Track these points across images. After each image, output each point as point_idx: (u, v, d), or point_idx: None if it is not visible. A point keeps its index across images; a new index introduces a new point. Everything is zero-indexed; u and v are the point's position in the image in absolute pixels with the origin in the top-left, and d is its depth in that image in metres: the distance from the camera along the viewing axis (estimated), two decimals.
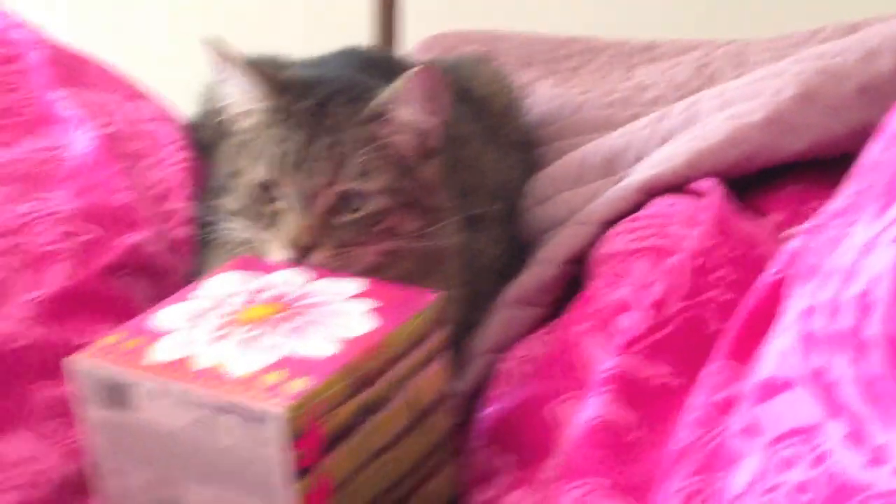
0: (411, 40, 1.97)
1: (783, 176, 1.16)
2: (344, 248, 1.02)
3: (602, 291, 1.06)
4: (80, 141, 1.30)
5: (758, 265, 0.97)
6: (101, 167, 1.26)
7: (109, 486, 0.92)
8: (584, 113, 1.48)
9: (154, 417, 0.86)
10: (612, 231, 1.13)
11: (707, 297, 0.99)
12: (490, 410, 1.03)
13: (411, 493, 0.94)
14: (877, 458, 0.63)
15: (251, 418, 0.81)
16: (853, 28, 1.35)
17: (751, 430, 0.73)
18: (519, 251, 1.23)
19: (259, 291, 0.96)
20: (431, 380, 0.94)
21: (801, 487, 0.66)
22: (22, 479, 0.95)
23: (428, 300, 0.93)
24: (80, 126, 1.31)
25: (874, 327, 0.66)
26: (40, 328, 1.06)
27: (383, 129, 1.05)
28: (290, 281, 0.98)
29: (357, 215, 1.03)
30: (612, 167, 1.27)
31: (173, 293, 0.99)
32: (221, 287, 0.97)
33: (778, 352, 0.73)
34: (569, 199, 1.25)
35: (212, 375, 0.85)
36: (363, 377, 0.87)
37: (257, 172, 1.04)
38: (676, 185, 1.15)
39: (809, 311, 0.72)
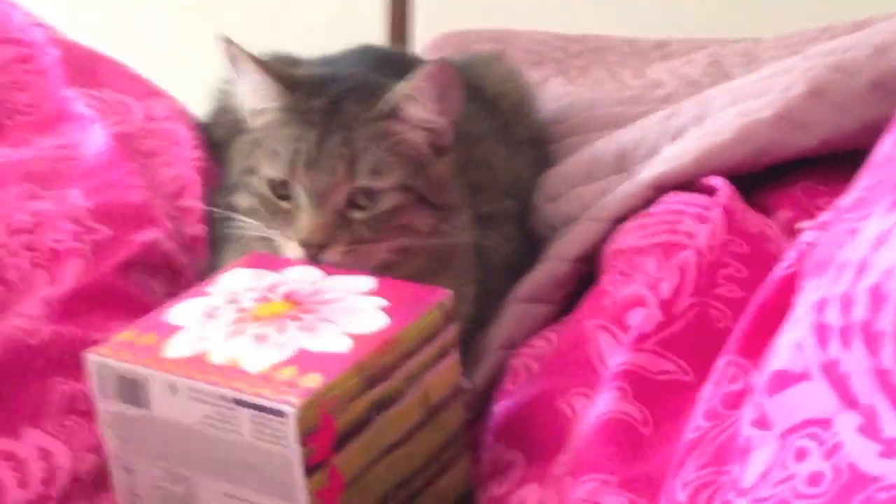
0: (422, 39, 1.97)
1: (792, 173, 1.16)
2: (357, 245, 1.02)
3: (613, 287, 1.06)
4: (94, 139, 1.31)
5: (767, 262, 0.97)
6: (115, 165, 1.27)
7: (123, 480, 0.93)
8: (595, 110, 1.48)
9: (168, 412, 0.87)
10: (622, 227, 1.13)
11: (717, 293, 0.99)
12: (502, 406, 1.03)
13: (424, 489, 0.94)
14: (889, 450, 0.63)
15: (264, 414, 0.82)
16: (863, 25, 1.35)
17: (763, 422, 0.73)
18: (530, 248, 1.24)
19: (272, 288, 0.97)
20: (444, 376, 0.94)
21: (814, 478, 0.66)
22: (38, 473, 0.96)
23: (439, 297, 0.94)
24: (94, 124, 1.32)
25: (887, 319, 0.67)
26: (56, 325, 1.06)
27: (396, 127, 1.05)
28: (303, 278, 0.98)
29: (370, 212, 1.03)
30: (623, 164, 1.27)
31: (187, 290, 1.00)
32: (235, 283, 0.98)
33: (791, 344, 0.73)
34: (580, 196, 1.25)
35: (225, 371, 0.85)
36: (376, 373, 0.87)
37: (271, 170, 1.04)
38: (687, 181, 1.15)
39: (822, 304, 0.72)
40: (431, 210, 1.07)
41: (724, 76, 1.45)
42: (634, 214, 1.14)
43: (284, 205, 1.04)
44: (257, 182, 1.06)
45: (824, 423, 0.68)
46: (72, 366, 1.01)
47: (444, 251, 1.10)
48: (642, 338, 0.96)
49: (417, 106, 1.05)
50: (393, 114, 1.05)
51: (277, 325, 0.91)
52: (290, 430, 0.81)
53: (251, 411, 0.83)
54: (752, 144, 1.15)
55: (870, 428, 0.65)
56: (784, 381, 0.72)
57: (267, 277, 0.99)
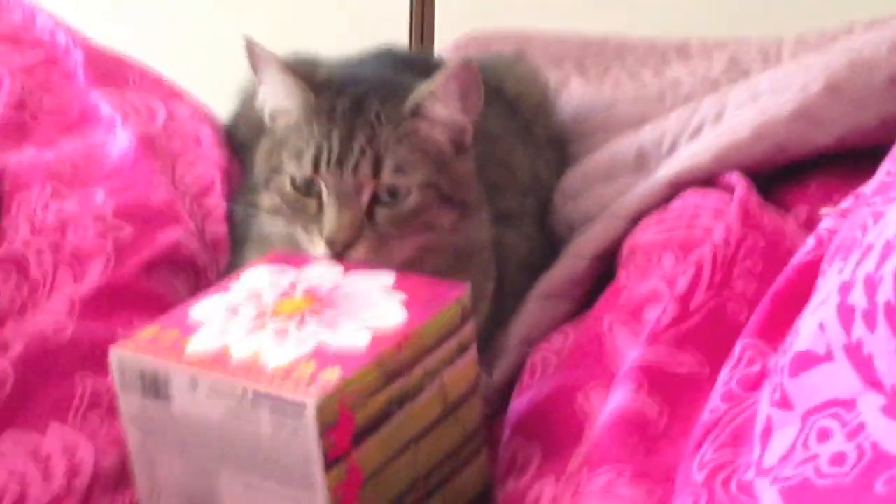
0: (444, 39, 1.98)
1: (808, 171, 1.17)
2: (382, 243, 1.03)
3: (631, 283, 1.07)
4: (118, 140, 1.32)
5: (783, 257, 0.98)
6: (139, 165, 1.28)
7: (145, 475, 0.93)
8: (616, 110, 1.49)
9: (189, 407, 0.88)
10: (641, 224, 1.14)
11: (733, 288, 1.00)
12: (520, 402, 1.04)
13: (442, 484, 0.95)
14: None
15: (284, 408, 0.83)
16: (881, 23, 1.35)
17: (785, 403, 0.73)
18: (549, 246, 1.24)
19: (293, 285, 0.97)
20: (462, 371, 0.95)
21: (837, 458, 0.67)
22: (62, 468, 0.97)
23: (458, 293, 0.94)
24: (118, 125, 1.33)
25: None
26: (80, 323, 1.08)
27: (419, 125, 1.06)
28: (324, 274, 0.99)
29: (394, 210, 1.04)
30: (643, 162, 1.27)
31: (210, 288, 1.01)
32: (257, 280, 0.99)
33: (814, 326, 0.74)
34: (601, 195, 1.26)
35: (247, 366, 0.86)
36: (394, 368, 0.88)
37: (296, 169, 1.05)
38: (705, 178, 1.16)
39: (847, 286, 0.72)
40: (453, 208, 1.07)
41: (744, 75, 1.45)
42: (652, 211, 1.15)
43: (309, 203, 1.05)
44: (282, 181, 1.06)
45: (847, 403, 0.68)
46: (95, 363, 1.02)
47: (465, 249, 1.11)
48: (659, 332, 0.97)
49: (440, 105, 1.06)
50: (416, 113, 1.06)
51: (297, 321, 0.91)
52: (309, 423, 0.82)
53: (271, 405, 0.83)
54: (770, 141, 1.15)
55: (893, 408, 0.65)
56: (807, 362, 0.72)
57: (288, 274, 0.99)
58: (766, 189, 1.14)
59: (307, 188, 1.05)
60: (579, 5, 2.37)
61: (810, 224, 1.04)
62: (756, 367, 0.85)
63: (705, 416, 0.84)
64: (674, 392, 0.93)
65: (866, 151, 1.07)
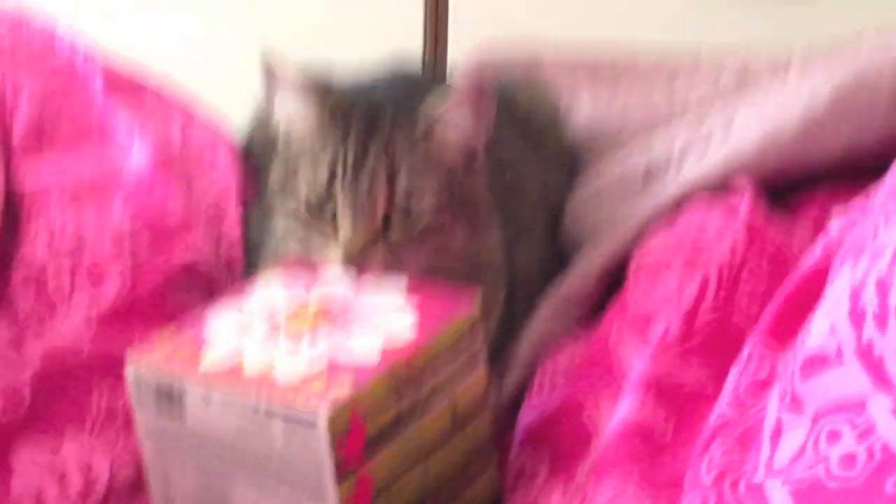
0: (458, 45, 1.99)
1: (814, 184, 1.17)
2: (396, 259, 1.04)
3: (638, 297, 1.07)
4: (136, 156, 1.33)
5: (789, 272, 0.98)
6: (155, 181, 1.29)
7: (159, 489, 0.95)
8: (625, 123, 1.49)
9: (204, 421, 0.89)
10: (648, 238, 1.14)
11: (738, 303, 1.00)
12: (529, 413, 1.05)
13: (453, 497, 0.96)
14: None
15: (296, 421, 0.84)
16: (891, 37, 1.35)
17: (795, 405, 0.73)
18: (559, 260, 1.25)
19: (305, 301, 0.99)
20: (473, 384, 0.96)
21: (847, 460, 0.67)
22: (78, 482, 0.98)
23: (469, 303, 0.96)
24: (135, 140, 1.35)
25: None
26: (96, 339, 1.09)
27: (433, 137, 1.07)
28: (336, 288, 1.00)
29: (407, 227, 1.05)
30: (652, 175, 1.28)
31: (223, 303, 1.02)
32: (270, 292, 1.00)
33: (826, 327, 0.74)
34: (610, 209, 1.27)
35: (260, 380, 0.87)
36: (405, 381, 0.89)
37: (311, 187, 1.06)
38: (712, 192, 1.16)
39: (858, 288, 0.73)
40: (464, 223, 1.08)
41: (752, 89, 1.46)
42: (659, 226, 1.15)
43: (323, 221, 1.06)
44: (296, 199, 1.07)
45: (857, 405, 0.68)
46: (111, 378, 1.04)
47: (476, 263, 1.12)
48: (665, 346, 0.97)
49: (453, 117, 1.07)
50: (430, 125, 1.07)
51: (310, 335, 0.93)
52: (320, 437, 0.83)
53: (283, 418, 0.85)
54: (776, 153, 1.16)
55: None
56: (817, 364, 0.73)
57: (300, 285, 1.01)
58: (773, 196, 1.14)
59: (321, 206, 1.06)
60: (592, 14, 2.38)
61: (819, 230, 1.04)
62: (764, 371, 0.86)
63: (713, 418, 0.85)
64: (680, 403, 0.93)
65: (875, 162, 1.07)
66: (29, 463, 0.98)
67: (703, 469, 0.80)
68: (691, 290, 1.02)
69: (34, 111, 1.40)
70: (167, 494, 0.94)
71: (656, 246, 1.12)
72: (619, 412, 0.94)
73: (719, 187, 1.16)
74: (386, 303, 0.97)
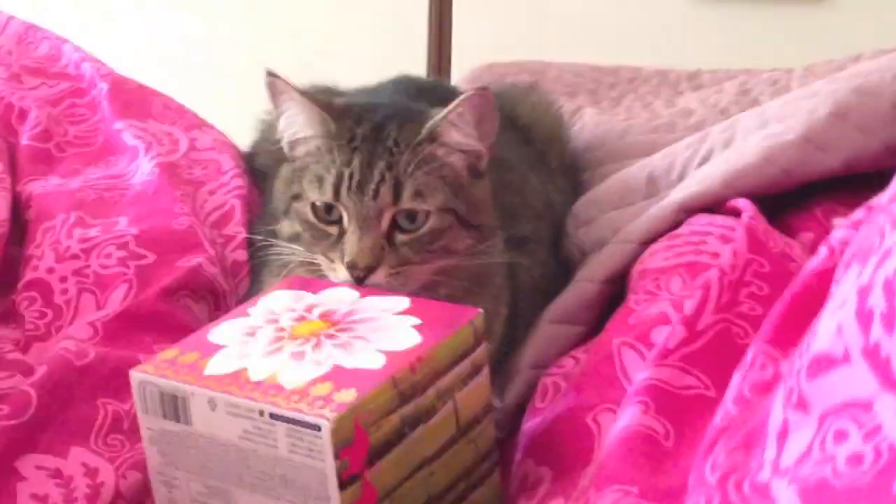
0: (461, 70, 2.00)
1: (814, 196, 1.18)
2: (402, 267, 1.05)
3: (640, 306, 1.08)
4: (141, 169, 1.34)
5: (789, 280, 0.99)
6: (161, 194, 1.30)
7: (164, 495, 0.95)
8: (628, 138, 1.50)
9: (208, 428, 0.89)
10: (650, 249, 1.15)
11: (739, 310, 1.01)
12: (531, 423, 1.05)
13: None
14: None
15: (300, 428, 0.84)
16: (890, 51, 1.36)
17: (801, 405, 0.74)
18: (561, 271, 1.26)
19: (310, 308, 0.99)
20: (475, 393, 0.96)
21: (854, 459, 0.67)
22: (84, 490, 0.98)
23: (471, 316, 0.96)
24: (141, 155, 1.36)
25: None
26: (102, 348, 1.10)
27: (437, 151, 1.08)
28: (340, 298, 1.01)
29: (413, 234, 1.05)
30: (654, 188, 1.29)
31: (229, 312, 1.03)
32: (274, 304, 1.01)
33: (833, 328, 0.74)
34: (612, 220, 1.27)
35: (263, 387, 0.88)
36: (408, 389, 0.89)
37: (317, 195, 1.07)
38: (714, 203, 1.17)
39: (866, 289, 0.73)
40: (470, 231, 1.09)
41: (754, 104, 1.47)
42: (661, 236, 1.16)
43: (330, 229, 1.06)
44: (302, 208, 1.08)
45: (864, 405, 0.69)
46: (117, 387, 1.04)
47: (481, 272, 1.12)
48: (666, 354, 0.98)
49: (457, 131, 1.08)
50: (434, 139, 1.08)
51: (314, 344, 0.93)
52: (325, 443, 0.83)
53: (287, 425, 0.85)
54: (778, 166, 1.17)
55: None
56: (824, 364, 0.73)
57: (305, 298, 1.01)
58: (772, 214, 1.15)
59: (328, 214, 1.06)
60: (593, 37, 2.40)
61: (815, 249, 1.05)
62: (768, 372, 0.86)
63: (718, 418, 0.86)
64: (680, 412, 0.94)
65: (872, 176, 1.08)
66: (35, 468, 0.98)
67: (708, 469, 0.81)
68: (693, 297, 1.02)
69: (42, 128, 1.42)
70: (172, 499, 0.95)
71: (658, 257, 1.13)
72: (621, 420, 0.94)
73: (722, 198, 1.17)
74: (390, 312, 0.98)
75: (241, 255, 1.29)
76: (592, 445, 0.97)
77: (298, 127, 1.11)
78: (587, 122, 1.60)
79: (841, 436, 0.69)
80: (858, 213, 0.95)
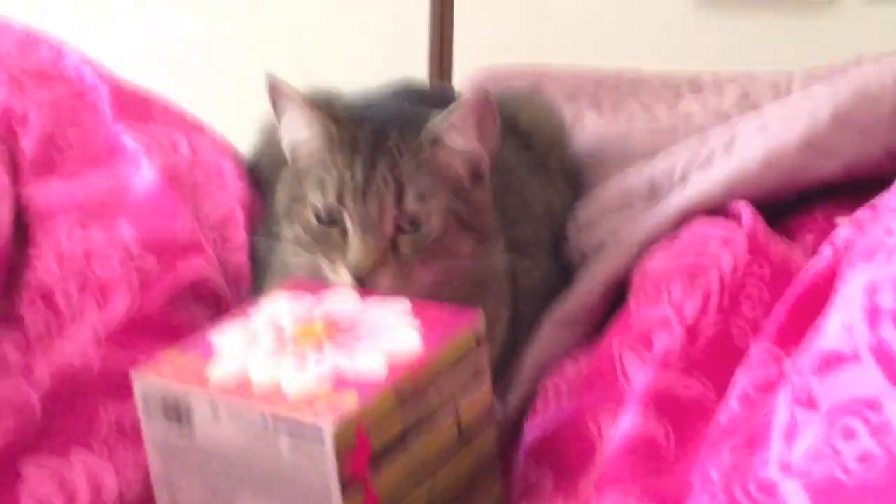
0: (462, 74, 2.00)
1: (814, 201, 1.18)
2: (405, 270, 1.05)
3: (641, 309, 1.08)
4: (142, 172, 1.34)
5: (789, 283, 0.99)
6: (162, 197, 1.30)
7: (166, 499, 0.95)
8: (628, 142, 1.51)
9: (211, 433, 0.89)
10: (651, 252, 1.15)
11: (740, 315, 1.01)
12: (533, 427, 1.05)
13: None
14: None
15: (302, 433, 0.85)
16: (891, 55, 1.36)
17: (809, 402, 0.74)
18: (562, 275, 1.26)
19: (311, 312, 0.99)
20: (477, 397, 0.96)
21: (863, 456, 0.68)
22: (87, 494, 0.98)
23: (472, 320, 0.96)
24: (142, 158, 1.36)
25: None
26: (104, 352, 1.10)
27: (439, 154, 1.08)
28: (342, 302, 1.01)
29: (416, 237, 1.06)
30: (654, 191, 1.29)
31: (230, 316, 1.03)
32: (277, 308, 1.01)
33: (841, 326, 0.75)
34: (613, 224, 1.28)
35: (267, 392, 0.88)
36: (410, 394, 0.89)
37: (319, 198, 1.07)
38: (714, 206, 1.17)
39: (874, 287, 0.73)
40: (472, 235, 1.09)
41: (754, 108, 1.47)
42: (662, 240, 1.16)
43: (332, 232, 1.07)
44: (304, 211, 1.08)
45: (872, 403, 0.69)
46: (119, 391, 1.04)
47: (482, 276, 1.13)
48: (666, 357, 0.98)
49: (458, 134, 1.08)
50: (436, 142, 1.08)
51: (316, 348, 0.93)
52: (327, 448, 0.84)
53: (290, 430, 0.85)
54: (778, 170, 1.17)
55: None
56: (832, 362, 0.74)
57: (307, 302, 1.01)
58: (773, 218, 1.15)
59: (330, 217, 1.07)
60: (595, 40, 2.40)
61: (816, 252, 1.05)
62: (772, 370, 0.87)
63: (721, 418, 0.86)
64: (681, 416, 0.94)
65: (872, 182, 1.08)
66: (37, 474, 0.98)
67: (712, 468, 0.81)
68: (694, 302, 1.03)
69: (42, 132, 1.41)
70: (175, 503, 0.95)
71: (659, 260, 1.13)
72: (622, 426, 0.94)
73: (721, 206, 1.17)
74: (392, 318, 0.98)
75: (243, 258, 1.29)
76: (594, 448, 0.97)
77: (300, 131, 1.11)
78: (588, 126, 1.60)
79: (849, 433, 0.70)
80: (862, 213, 0.95)
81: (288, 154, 1.13)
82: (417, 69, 2.14)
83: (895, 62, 1.22)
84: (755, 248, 1.06)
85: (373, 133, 1.08)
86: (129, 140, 1.39)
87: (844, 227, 0.94)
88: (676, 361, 0.98)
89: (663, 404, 0.95)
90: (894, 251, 0.75)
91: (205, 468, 0.92)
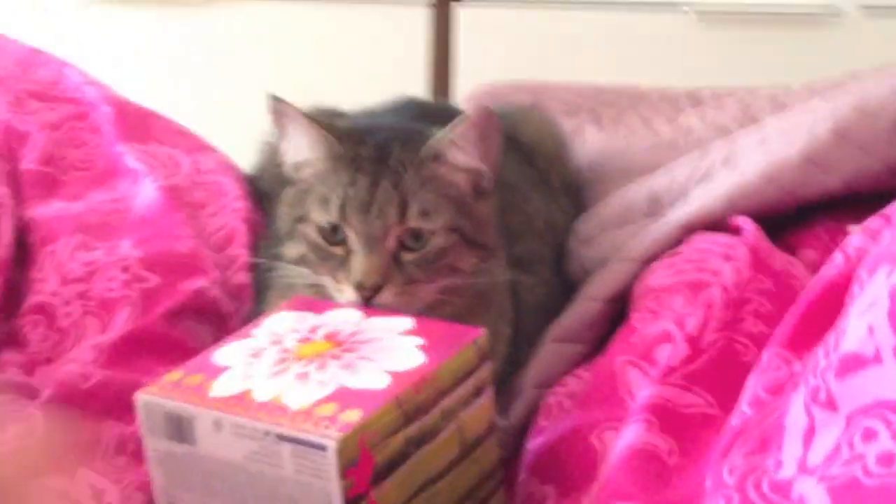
0: (463, 91, 2.01)
1: (815, 215, 1.18)
2: (409, 286, 1.05)
3: (642, 324, 1.09)
4: (145, 192, 1.35)
5: (791, 297, 0.99)
6: (164, 216, 1.31)
7: None
8: (628, 157, 1.51)
9: (213, 449, 0.89)
10: (652, 267, 1.16)
11: (742, 328, 1.02)
12: (535, 443, 1.05)
13: None
14: None
15: (305, 449, 0.84)
16: (891, 68, 1.36)
17: (830, 404, 0.74)
18: (564, 290, 1.26)
19: (314, 329, 0.99)
20: (479, 413, 0.96)
21: (884, 458, 0.68)
22: None
23: (474, 336, 0.96)
24: (145, 178, 1.36)
25: None
26: (107, 370, 1.10)
27: (442, 170, 1.08)
28: (344, 319, 1.01)
29: (419, 254, 1.06)
30: (655, 206, 1.29)
31: (233, 334, 1.03)
32: (279, 325, 1.01)
33: (863, 328, 0.74)
34: (614, 239, 1.28)
35: (269, 408, 0.88)
36: (413, 409, 0.89)
37: (323, 216, 1.07)
38: (715, 221, 1.18)
39: None
40: (475, 250, 1.10)
41: (753, 122, 1.47)
42: (663, 254, 1.16)
43: (336, 250, 1.07)
44: (308, 229, 1.09)
45: (894, 404, 0.69)
46: (122, 409, 1.04)
47: (485, 291, 1.13)
48: (669, 372, 0.98)
49: (461, 150, 1.08)
50: (438, 158, 1.08)
51: (319, 364, 0.93)
52: (330, 463, 0.84)
53: (293, 446, 0.85)
54: (778, 185, 1.17)
55: None
56: (854, 364, 0.73)
57: (309, 319, 1.02)
58: (774, 232, 1.16)
59: (334, 235, 1.07)
60: (596, 57, 2.40)
61: (816, 267, 1.05)
62: (783, 372, 0.87)
63: (733, 420, 0.86)
64: (684, 430, 0.94)
65: (873, 195, 1.08)
66: (41, 492, 0.98)
67: (725, 471, 0.81)
68: (695, 314, 1.03)
69: (44, 153, 1.42)
70: None
71: (660, 275, 1.13)
72: (625, 438, 0.94)
73: (721, 220, 1.17)
74: (394, 332, 0.98)
75: (245, 277, 1.29)
76: (596, 463, 0.97)
77: (302, 149, 1.11)
78: (588, 141, 1.60)
79: (870, 435, 0.70)
80: (873, 222, 0.95)
81: (291, 173, 1.13)
82: (416, 87, 2.15)
83: (892, 74, 1.22)
84: (757, 263, 1.07)
85: (375, 150, 1.08)
86: (131, 160, 1.40)
87: (856, 236, 0.94)
88: (679, 376, 0.98)
89: (666, 418, 0.95)
90: None
91: (208, 481, 0.92)
